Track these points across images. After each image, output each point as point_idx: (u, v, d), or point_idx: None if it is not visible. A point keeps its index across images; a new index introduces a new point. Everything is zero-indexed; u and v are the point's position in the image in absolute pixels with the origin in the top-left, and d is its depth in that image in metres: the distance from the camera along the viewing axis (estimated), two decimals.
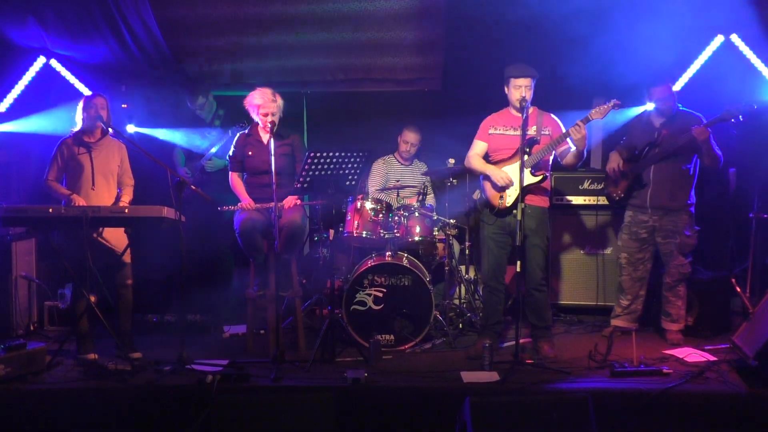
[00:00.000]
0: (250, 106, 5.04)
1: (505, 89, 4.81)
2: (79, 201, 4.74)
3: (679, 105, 5.18)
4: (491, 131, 4.90)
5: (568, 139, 4.67)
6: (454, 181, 5.73)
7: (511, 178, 4.72)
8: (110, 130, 4.91)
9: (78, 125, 4.90)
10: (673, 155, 5.05)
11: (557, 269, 6.04)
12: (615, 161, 5.24)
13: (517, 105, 4.71)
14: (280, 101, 5.04)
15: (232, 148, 5.22)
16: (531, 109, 4.77)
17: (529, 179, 4.65)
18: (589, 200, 6.00)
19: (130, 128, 6.14)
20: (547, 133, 4.78)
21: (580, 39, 5.69)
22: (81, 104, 4.91)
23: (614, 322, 5.34)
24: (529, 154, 4.68)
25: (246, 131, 5.19)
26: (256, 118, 5.05)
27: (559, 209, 5.95)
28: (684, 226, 5.11)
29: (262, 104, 4.95)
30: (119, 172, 5.00)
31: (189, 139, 6.03)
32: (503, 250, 4.90)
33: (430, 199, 6.29)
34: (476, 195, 5.41)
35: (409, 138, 6.08)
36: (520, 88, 4.70)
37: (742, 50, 6.03)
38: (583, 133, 4.58)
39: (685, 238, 5.11)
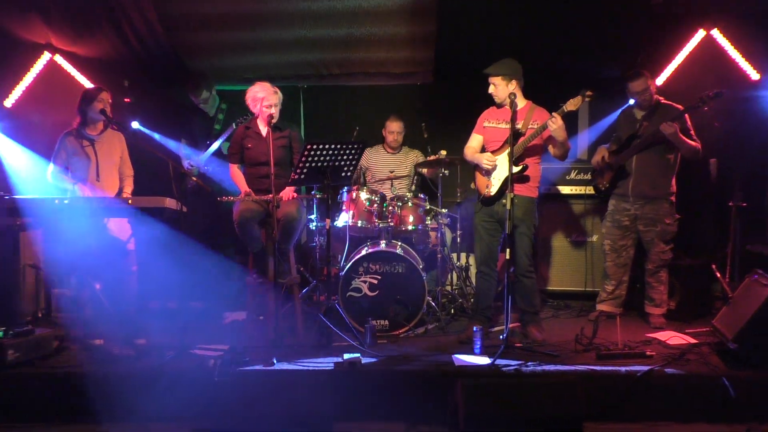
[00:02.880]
0: (251, 99, 5.03)
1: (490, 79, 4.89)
2: (84, 191, 4.73)
3: (661, 98, 5.19)
4: (485, 124, 4.96)
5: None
6: (445, 171, 5.72)
7: (495, 161, 4.82)
8: (111, 123, 4.89)
9: (80, 118, 4.88)
10: (654, 145, 5.07)
11: (547, 256, 6.05)
12: (600, 154, 5.29)
13: (497, 103, 4.84)
14: (280, 94, 5.05)
15: (231, 140, 5.20)
16: (524, 104, 4.85)
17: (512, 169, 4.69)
18: (576, 190, 6.02)
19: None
20: (534, 126, 4.79)
21: (571, 34, 5.68)
22: (82, 98, 4.89)
23: (600, 306, 5.36)
24: (516, 142, 4.71)
25: (245, 124, 5.18)
26: (256, 110, 5.04)
27: (547, 198, 5.96)
28: (665, 214, 5.12)
29: (266, 96, 4.96)
30: (120, 163, 4.99)
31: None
32: (493, 237, 4.92)
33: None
34: (473, 185, 5.42)
35: (394, 127, 6.13)
36: (491, 86, 4.83)
37: (722, 44, 6.02)
38: (559, 124, 4.61)
39: (666, 225, 5.13)
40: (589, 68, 5.99)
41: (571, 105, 4.62)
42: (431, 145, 5.97)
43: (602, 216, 5.59)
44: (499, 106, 4.82)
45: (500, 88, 4.79)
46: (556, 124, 4.60)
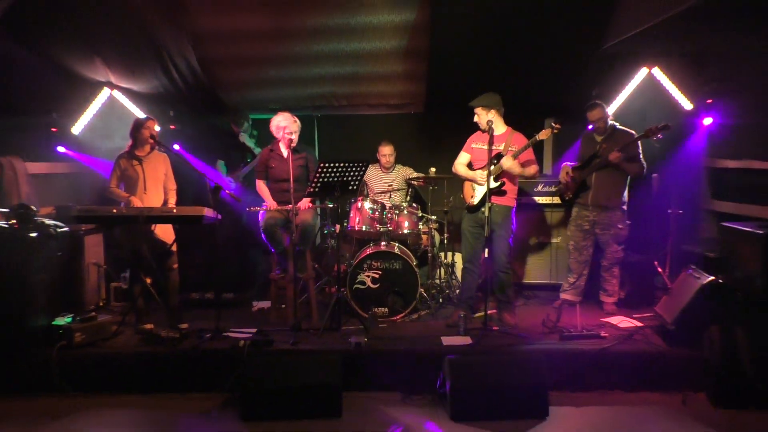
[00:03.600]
0: (275, 127, 5.06)
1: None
2: (136, 202, 4.75)
3: (617, 123, 5.21)
4: (473, 145, 4.98)
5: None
6: (434, 185, 5.75)
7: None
8: (158, 146, 4.92)
9: (132, 142, 4.92)
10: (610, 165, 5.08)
11: (521, 255, 6.03)
12: (565, 171, 5.31)
13: (481, 128, 4.84)
14: (298, 123, 5.08)
15: (258, 161, 5.24)
16: (505, 129, 4.91)
17: (492, 184, 4.73)
18: (544, 200, 6.02)
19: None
20: (513, 149, 4.82)
21: (538, 72, 5.72)
22: (134, 125, 4.92)
23: (563, 296, 5.35)
24: (494, 165, 4.74)
25: (270, 147, 5.22)
26: (279, 136, 5.07)
27: (521, 207, 5.93)
28: (618, 220, 5.13)
29: (287, 125, 5.00)
30: (164, 179, 5.02)
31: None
32: (477, 239, 4.93)
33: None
34: (462, 195, 5.41)
35: (385, 151, 6.06)
36: (476, 115, 4.84)
37: (662, 80, 6.05)
38: (508, 165, 4.71)
39: (618, 230, 5.14)
40: (553, 99, 5.99)
41: (542, 135, 4.68)
42: (422, 164, 5.97)
43: (565, 222, 5.60)
44: (483, 131, 4.83)
45: (482, 116, 4.82)
46: (507, 164, 4.71)
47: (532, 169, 4.86)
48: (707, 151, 6.24)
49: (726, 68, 6.07)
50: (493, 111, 4.80)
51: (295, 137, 4.99)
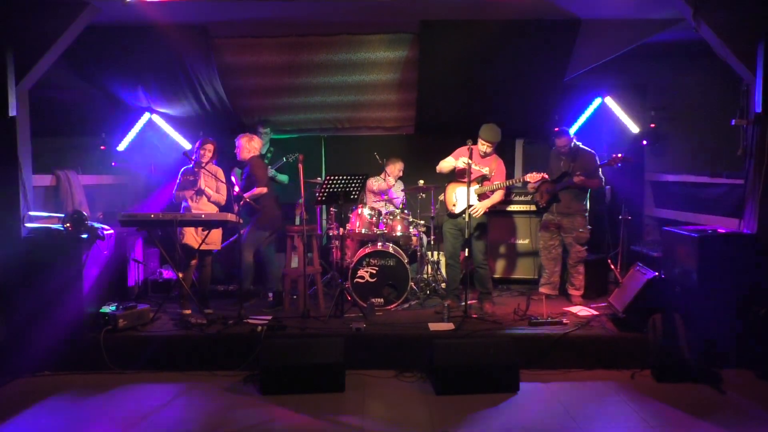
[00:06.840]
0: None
1: (478, 138, 4.77)
2: (191, 208, 4.78)
3: (579, 143, 5.17)
4: (463, 159, 4.77)
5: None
6: (423, 195, 5.73)
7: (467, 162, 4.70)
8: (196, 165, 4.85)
9: (194, 157, 4.85)
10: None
11: (496, 253, 5.98)
12: (539, 191, 5.24)
13: (481, 154, 4.79)
14: (237, 141, 5.02)
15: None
16: (493, 154, 4.87)
17: (475, 201, 4.75)
18: (516, 207, 5.97)
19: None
20: (494, 173, 4.82)
21: (510, 101, 5.72)
22: (197, 144, 4.87)
23: (541, 290, 5.26)
24: (481, 183, 4.80)
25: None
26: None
27: (496, 213, 5.88)
28: (579, 225, 5.09)
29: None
30: (216, 189, 4.92)
31: None
32: (457, 239, 4.91)
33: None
34: (441, 197, 5.39)
35: (400, 166, 5.93)
36: (484, 145, 4.74)
37: (613, 107, 6.06)
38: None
39: (579, 233, 5.10)
40: (522, 123, 5.99)
41: (529, 178, 4.79)
42: (412, 176, 5.94)
43: (531, 226, 5.57)
44: (483, 156, 4.79)
45: (492, 148, 4.77)
46: (495, 199, 4.81)
47: (497, 200, 4.90)
48: (649, 166, 6.26)
49: (665, 98, 6.12)
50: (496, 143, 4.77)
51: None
